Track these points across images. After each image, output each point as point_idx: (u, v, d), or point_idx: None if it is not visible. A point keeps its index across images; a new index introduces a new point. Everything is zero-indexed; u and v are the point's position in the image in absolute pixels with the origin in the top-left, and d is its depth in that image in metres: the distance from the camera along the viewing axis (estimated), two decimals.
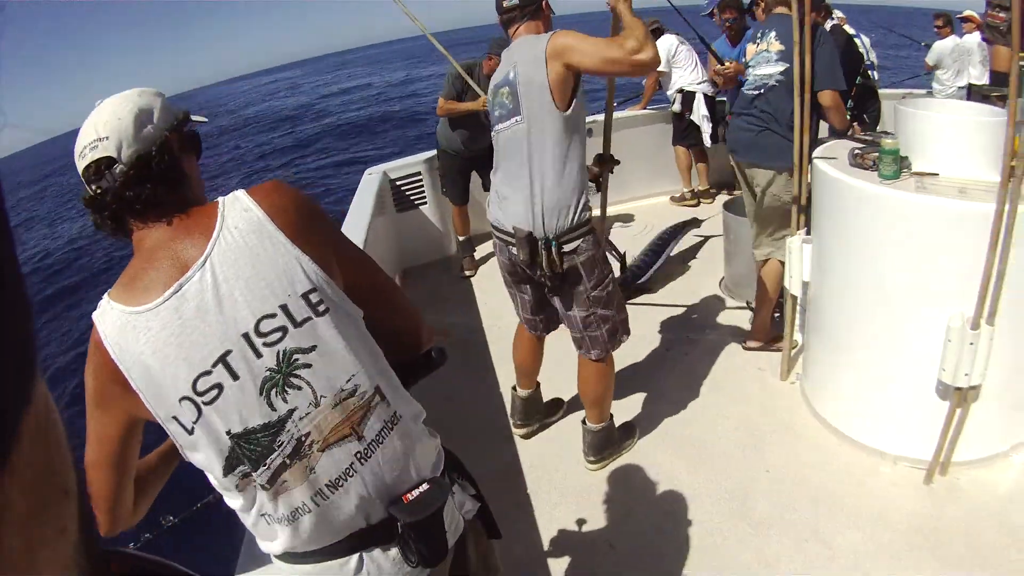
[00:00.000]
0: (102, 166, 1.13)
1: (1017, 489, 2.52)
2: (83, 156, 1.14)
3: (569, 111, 2.33)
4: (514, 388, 3.26)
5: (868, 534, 2.45)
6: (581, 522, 2.71)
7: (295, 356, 1.13)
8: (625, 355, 3.87)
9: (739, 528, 2.57)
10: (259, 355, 1.11)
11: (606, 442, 2.99)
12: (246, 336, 1.11)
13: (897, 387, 2.65)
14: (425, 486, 1.24)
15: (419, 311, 1.45)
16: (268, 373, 1.12)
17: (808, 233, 3.00)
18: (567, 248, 2.43)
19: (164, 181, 1.16)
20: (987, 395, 2.45)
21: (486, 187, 5.23)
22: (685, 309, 4.32)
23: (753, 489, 2.75)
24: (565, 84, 2.30)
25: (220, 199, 1.19)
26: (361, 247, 3.46)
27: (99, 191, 1.13)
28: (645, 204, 6.10)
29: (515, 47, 2.48)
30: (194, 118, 1.31)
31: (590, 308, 2.59)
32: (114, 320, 1.11)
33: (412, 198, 5.45)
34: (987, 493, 2.52)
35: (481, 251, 5.59)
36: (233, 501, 1.22)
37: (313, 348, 1.13)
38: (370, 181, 5.05)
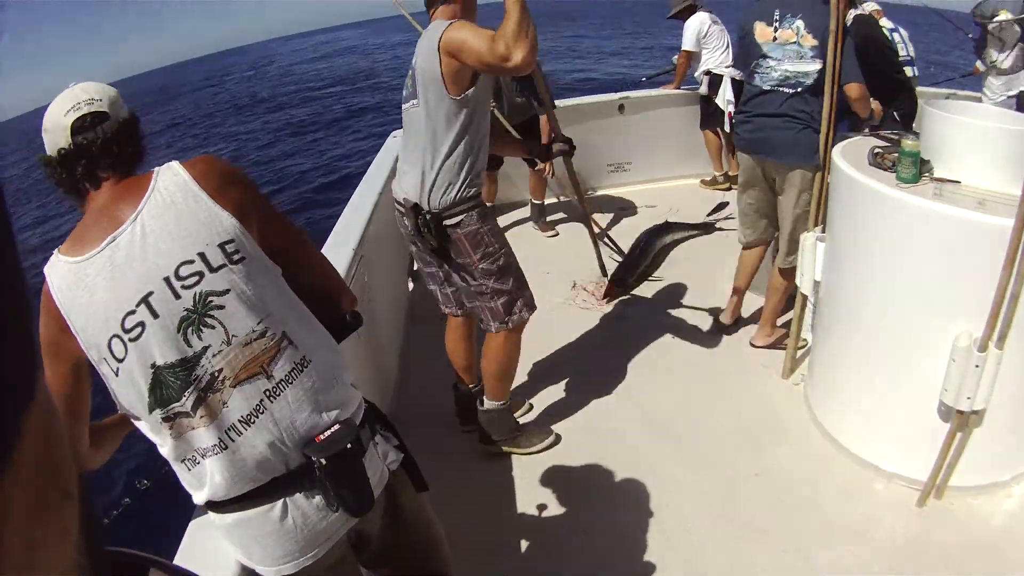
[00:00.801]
0: (96, 120, 1.30)
1: (1013, 522, 2.39)
2: (77, 109, 1.30)
3: (462, 97, 2.37)
4: (455, 385, 3.16)
5: (851, 551, 2.36)
6: (560, 507, 2.68)
7: (210, 298, 1.26)
8: (627, 339, 3.83)
9: (719, 530, 2.50)
10: (178, 296, 1.25)
11: (495, 425, 2.95)
12: (167, 279, 1.24)
13: (898, 402, 2.53)
14: (337, 427, 1.35)
15: (338, 276, 1.60)
16: (185, 313, 1.25)
17: (823, 231, 2.86)
18: (450, 222, 2.52)
19: (134, 146, 1.36)
20: (991, 421, 2.31)
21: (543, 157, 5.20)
22: (695, 297, 4.21)
23: (740, 491, 2.67)
24: (460, 74, 2.34)
25: (156, 168, 1.34)
26: (372, 208, 3.42)
27: (84, 141, 1.29)
28: (673, 185, 5.93)
29: (426, 32, 2.46)
30: None
31: (480, 280, 2.65)
32: (59, 270, 1.26)
33: None
34: (981, 522, 2.40)
35: (504, 220, 5.54)
36: (162, 447, 1.31)
37: (226, 292, 1.27)
38: (394, 144, 4.97)
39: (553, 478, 2.83)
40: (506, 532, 2.59)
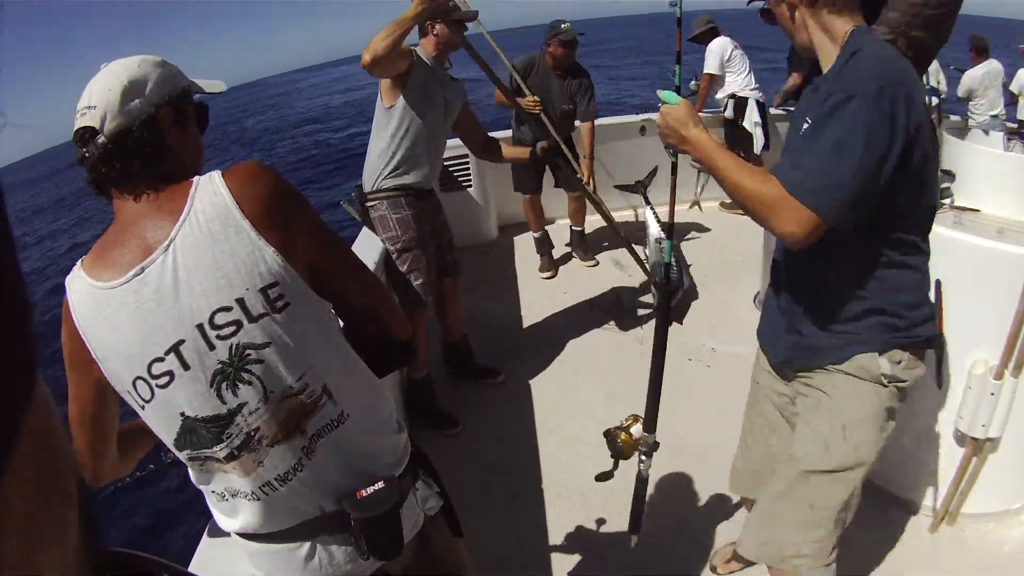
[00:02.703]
0: (87, 134, 1.15)
1: (1023, 549, 2.38)
2: (76, 120, 1.17)
3: (389, 107, 2.96)
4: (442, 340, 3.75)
5: None
6: (575, 524, 2.69)
7: (247, 351, 1.13)
8: (645, 361, 3.80)
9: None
10: (212, 347, 1.12)
11: (412, 396, 3.36)
12: (200, 327, 1.11)
13: (913, 428, 2.52)
14: (380, 484, 1.24)
15: (394, 302, 1.43)
16: (220, 366, 1.12)
17: None
18: (368, 204, 3.11)
19: (141, 157, 1.16)
20: (1005, 448, 2.31)
21: (557, 184, 4.96)
22: (712, 318, 4.22)
23: None
24: (389, 88, 2.95)
25: (196, 178, 1.17)
26: None
27: (85, 155, 1.16)
28: (694, 208, 5.95)
29: None
30: (207, 88, 1.32)
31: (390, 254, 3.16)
32: (80, 290, 1.14)
33: (459, 178, 5.44)
34: (992, 549, 2.39)
35: (523, 240, 5.57)
36: (190, 472, 1.25)
37: (266, 345, 1.13)
38: None
39: (571, 496, 2.85)
40: (523, 547, 2.60)
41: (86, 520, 0.35)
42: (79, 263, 1.17)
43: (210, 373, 1.12)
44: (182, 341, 1.11)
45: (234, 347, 1.12)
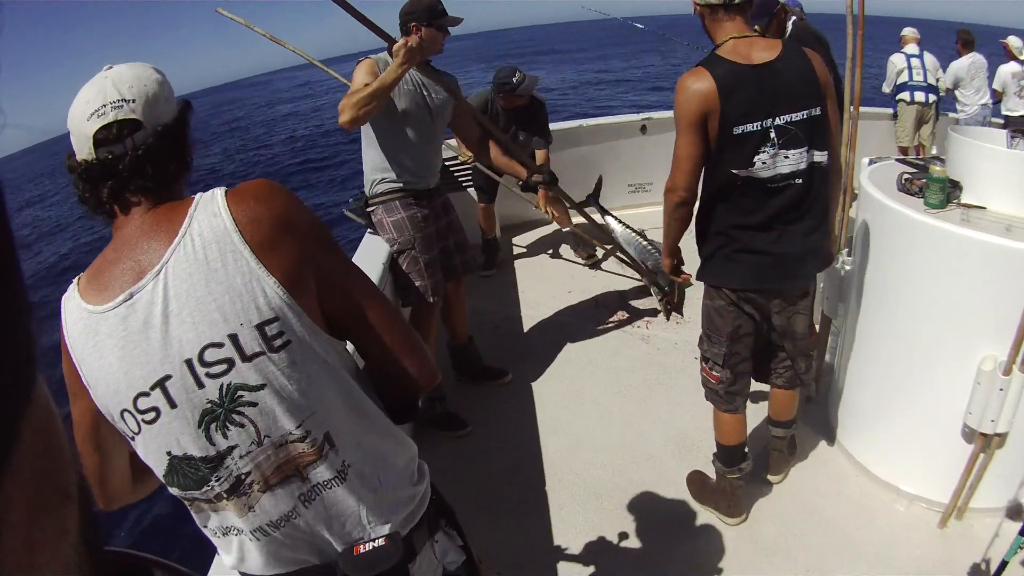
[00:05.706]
0: (125, 129, 1.04)
1: None
2: (102, 115, 1.04)
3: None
4: (448, 343, 3.76)
5: (873, 572, 2.38)
6: (585, 525, 2.70)
7: (240, 392, 1.03)
8: (651, 359, 3.86)
9: (743, 551, 2.53)
10: (201, 385, 1.03)
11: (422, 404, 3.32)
12: (188, 363, 1.02)
13: (921, 424, 2.55)
14: (381, 541, 1.14)
15: (420, 348, 1.25)
16: (209, 406, 1.04)
17: (849, 255, 2.90)
18: (368, 209, 3.20)
19: (176, 161, 1.09)
20: (1013, 444, 2.33)
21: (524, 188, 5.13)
22: None
23: (763, 512, 2.70)
24: None
25: (198, 196, 1.08)
26: None
27: (110, 156, 1.04)
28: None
29: None
30: None
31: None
32: (73, 311, 1.07)
33: (460, 179, 5.44)
34: (1000, 544, 2.41)
35: (522, 240, 5.59)
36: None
37: (262, 386, 1.04)
38: None
39: (578, 497, 2.86)
40: (533, 549, 2.61)
41: (86, 520, 0.35)
42: (75, 281, 1.09)
43: (198, 413, 1.04)
44: (168, 377, 1.02)
45: (225, 387, 1.03)
